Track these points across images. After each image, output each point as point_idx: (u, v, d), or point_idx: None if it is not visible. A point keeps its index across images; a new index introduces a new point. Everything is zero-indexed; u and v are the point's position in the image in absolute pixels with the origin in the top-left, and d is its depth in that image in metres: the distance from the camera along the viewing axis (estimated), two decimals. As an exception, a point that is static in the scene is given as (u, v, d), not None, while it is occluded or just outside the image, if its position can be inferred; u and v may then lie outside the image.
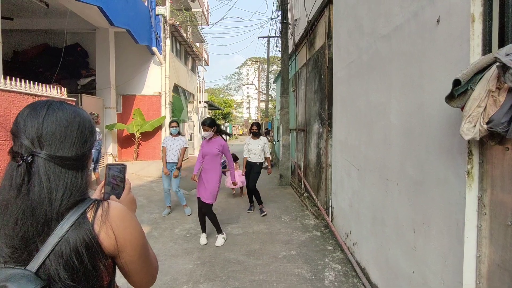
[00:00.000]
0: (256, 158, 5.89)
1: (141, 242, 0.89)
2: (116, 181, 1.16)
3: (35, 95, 3.51)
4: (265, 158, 6.04)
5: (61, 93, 4.05)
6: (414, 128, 2.12)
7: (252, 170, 5.89)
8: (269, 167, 6.19)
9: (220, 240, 4.36)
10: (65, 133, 0.82)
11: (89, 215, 0.80)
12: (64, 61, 8.18)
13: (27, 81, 3.45)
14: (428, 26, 2.01)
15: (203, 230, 4.45)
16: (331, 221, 4.70)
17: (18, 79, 3.36)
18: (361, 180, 3.31)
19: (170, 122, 5.85)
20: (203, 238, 4.39)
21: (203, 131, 4.39)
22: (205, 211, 4.32)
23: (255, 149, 5.89)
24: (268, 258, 3.86)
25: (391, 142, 2.49)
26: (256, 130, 5.98)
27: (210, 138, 4.38)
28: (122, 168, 1.18)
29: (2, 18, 6.57)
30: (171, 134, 5.80)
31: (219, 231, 4.44)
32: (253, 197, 5.96)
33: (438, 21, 1.91)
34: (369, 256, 3.08)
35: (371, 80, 2.95)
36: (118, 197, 1.13)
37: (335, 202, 4.56)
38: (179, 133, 5.84)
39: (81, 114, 0.89)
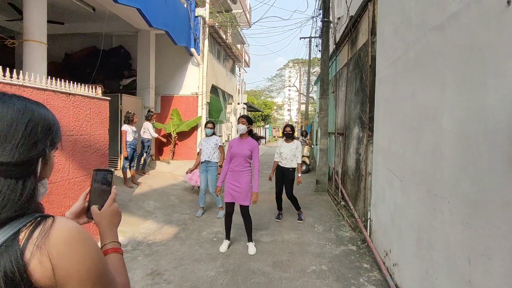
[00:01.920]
0: (288, 163, 5.47)
1: (94, 274, 0.68)
2: (102, 188, 1.00)
3: (69, 94, 3.58)
4: (297, 164, 5.45)
5: (95, 91, 4.12)
6: (473, 136, 1.73)
7: (285, 177, 5.53)
8: (299, 175, 5.47)
9: (253, 248, 4.10)
10: (6, 132, 0.65)
11: (22, 236, 0.62)
12: (108, 62, 8.59)
13: (62, 80, 3.54)
14: (495, 11, 1.62)
15: (227, 237, 4.25)
16: (369, 236, 4.27)
17: (53, 78, 3.45)
18: (404, 193, 2.89)
19: (206, 123, 5.80)
20: (224, 246, 4.16)
21: (238, 123, 4.08)
22: (245, 214, 4.09)
23: (287, 153, 5.47)
24: (295, 272, 3.57)
25: (443, 151, 2.09)
26: (289, 132, 5.55)
27: (242, 137, 4.10)
28: (109, 174, 1.01)
29: (54, 22, 7.01)
30: (206, 135, 5.76)
31: (251, 238, 4.20)
32: (282, 204, 5.67)
33: (509, 3, 1.52)
34: (412, 282, 2.67)
35: (418, 79, 2.55)
36: (101, 207, 0.96)
37: (374, 215, 4.13)
38: (213, 134, 5.79)
39: (35, 110, 0.72)
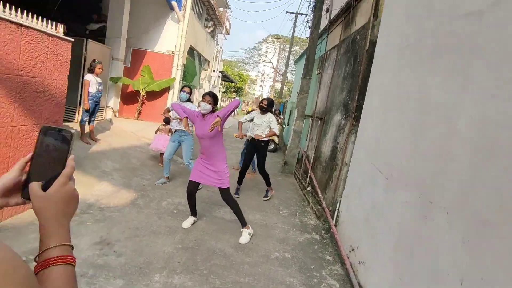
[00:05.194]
0: (259, 133, 5.27)
1: None
2: (53, 157, 0.61)
3: (21, 25, 2.91)
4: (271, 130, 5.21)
5: (56, 29, 3.43)
6: (501, 145, 1.51)
7: (258, 151, 5.33)
8: (263, 136, 5.16)
9: (245, 236, 3.67)
10: None
11: None
12: (75, 1, 7.51)
13: (13, 6, 2.86)
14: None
15: (193, 214, 3.89)
16: (335, 226, 4.17)
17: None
18: (388, 192, 2.73)
19: (183, 86, 5.29)
20: (188, 222, 3.81)
21: (203, 101, 3.49)
22: (226, 198, 3.63)
23: (260, 123, 5.27)
24: (258, 257, 3.38)
25: (453, 156, 1.88)
26: (265, 106, 5.25)
27: (205, 115, 3.52)
28: (67, 138, 0.61)
29: None
30: (180, 99, 5.25)
31: (244, 223, 3.73)
32: (243, 179, 5.50)
33: None
34: (379, 285, 2.56)
35: (434, 71, 2.30)
36: (46, 186, 0.60)
37: (345, 207, 4.01)
38: (189, 100, 5.29)
39: None
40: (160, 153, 6.33)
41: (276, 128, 5.29)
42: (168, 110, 5.59)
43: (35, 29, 3.14)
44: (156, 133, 6.32)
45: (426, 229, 2.02)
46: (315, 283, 3.06)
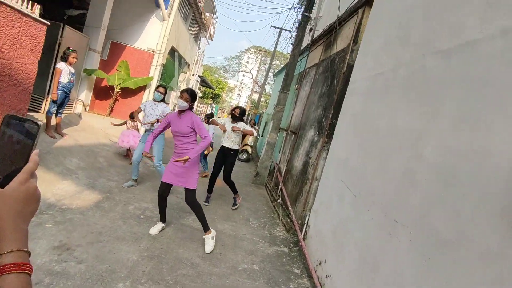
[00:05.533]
0: (230, 144, 5.27)
1: None
2: (14, 150, 0.55)
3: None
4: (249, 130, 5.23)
5: (32, 9, 3.27)
6: (462, 174, 1.64)
7: (226, 158, 5.32)
8: (241, 128, 5.17)
9: (209, 244, 3.61)
10: None
11: None
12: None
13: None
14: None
15: (162, 220, 3.80)
16: (303, 239, 4.24)
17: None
18: (355, 209, 2.83)
19: (158, 86, 5.19)
20: (156, 228, 3.70)
21: (180, 98, 3.45)
22: (189, 200, 3.57)
23: (229, 132, 5.24)
24: (226, 268, 3.34)
25: (416, 179, 2.01)
26: (236, 115, 5.26)
27: (182, 112, 3.49)
28: (32, 130, 0.56)
29: None
30: (154, 99, 5.15)
31: (206, 228, 3.67)
32: (213, 187, 5.48)
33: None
34: (344, 299, 2.63)
35: (404, 100, 2.45)
36: (4, 182, 0.53)
37: (313, 221, 4.10)
38: (163, 101, 5.19)
39: None
40: (128, 150, 6.24)
41: (253, 131, 5.35)
42: (139, 110, 5.45)
43: (8, 5, 2.96)
44: (120, 125, 6.21)
45: (391, 246, 2.12)
46: (280, 296, 3.07)
